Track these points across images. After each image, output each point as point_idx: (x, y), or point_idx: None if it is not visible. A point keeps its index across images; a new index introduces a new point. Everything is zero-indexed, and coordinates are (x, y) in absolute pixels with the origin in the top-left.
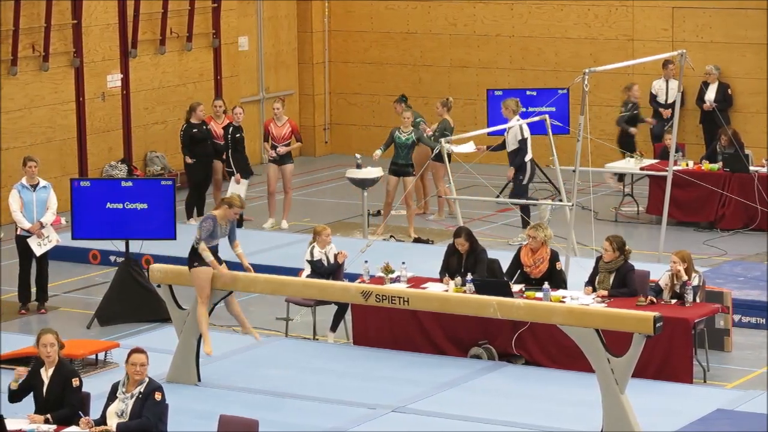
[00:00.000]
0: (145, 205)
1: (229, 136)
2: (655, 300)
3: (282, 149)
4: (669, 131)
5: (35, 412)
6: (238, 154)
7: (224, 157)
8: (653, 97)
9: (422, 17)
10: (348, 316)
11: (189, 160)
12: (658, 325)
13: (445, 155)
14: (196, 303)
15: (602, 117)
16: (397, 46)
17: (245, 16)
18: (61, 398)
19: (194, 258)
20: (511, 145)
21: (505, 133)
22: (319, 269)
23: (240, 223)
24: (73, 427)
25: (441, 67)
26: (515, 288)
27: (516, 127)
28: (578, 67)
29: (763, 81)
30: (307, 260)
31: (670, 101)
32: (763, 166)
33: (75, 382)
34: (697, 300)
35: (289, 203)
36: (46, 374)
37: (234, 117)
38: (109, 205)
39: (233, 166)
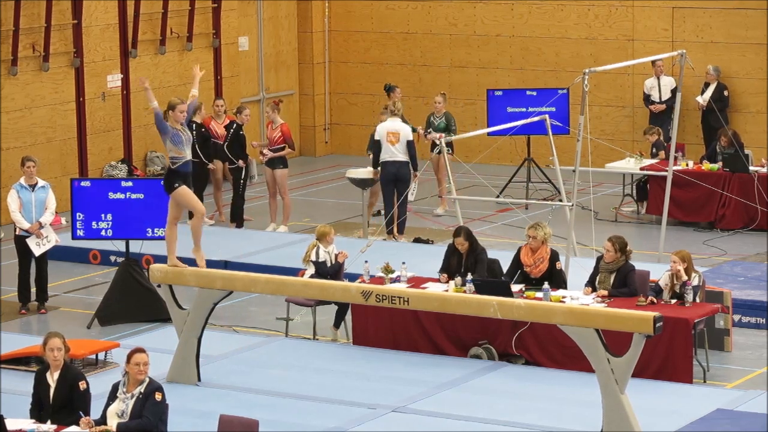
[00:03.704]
0: (141, 195)
1: (232, 130)
2: (655, 300)
3: (269, 153)
4: (650, 131)
5: (41, 417)
6: (238, 149)
7: (219, 151)
8: (647, 97)
9: (422, 17)
10: (348, 316)
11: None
12: (658, 325)
13: (445, 152)
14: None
15: (602, 117)
16: (397, 46)
17: (245, 16)
18: (67, 402)
19: (173, 180)
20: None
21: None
22: (323, 270)
23: (240, 223)
24: (74, 427)
25: (441, 67)
26: (515, 288)
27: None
28: (578, 67)
29: (763, 81)
30: (312, 261)
31: (664, 98)
32: (763, 166)
33: (82, 385)
34: (697, 300)
35: (287, 208)
36: (51, 378)
37: (243, 118)
38: (111, 195)
39: (232, 156)
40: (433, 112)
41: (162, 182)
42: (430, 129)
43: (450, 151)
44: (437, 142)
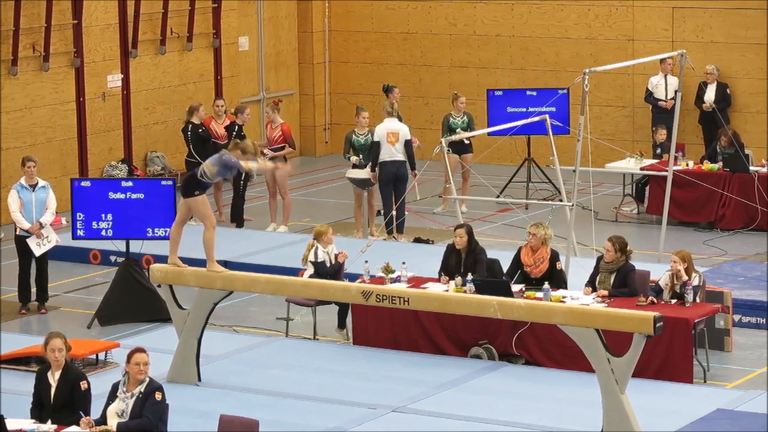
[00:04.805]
0: (141, 195)
1: (234, 133)
2: (655, 300)
3: (269, 153)
4: (661, 126)
5: (42, 416)
6: None
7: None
8: (649, 94)
9: (422, 17)
10: (348, 316)
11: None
12: (658, 325)
13: (445, 152)
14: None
15: (602, 117)
16: (397, 46)
17: (245, 16)
18: (68, 402)
19: (195, 187)
20: (402, 152)
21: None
22: (322, 270)
23: (240, 223)
24: (74, 427)
25: (441, 67)
26: (515, 288)
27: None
28: (578, 67)
29: (763, 81)
30: (310, 261)
31: (670, 96)
32: (763, 166)
33: (83, 385)
34: (698, 300)
35: (287, 208)
36: (53, 378)
37: (244, 118)
38: (111, 195)
39: None
40: (451, 112)
41: (182, 184)
42: (458, 129)
43: (450, 151)
44: (465, 141)
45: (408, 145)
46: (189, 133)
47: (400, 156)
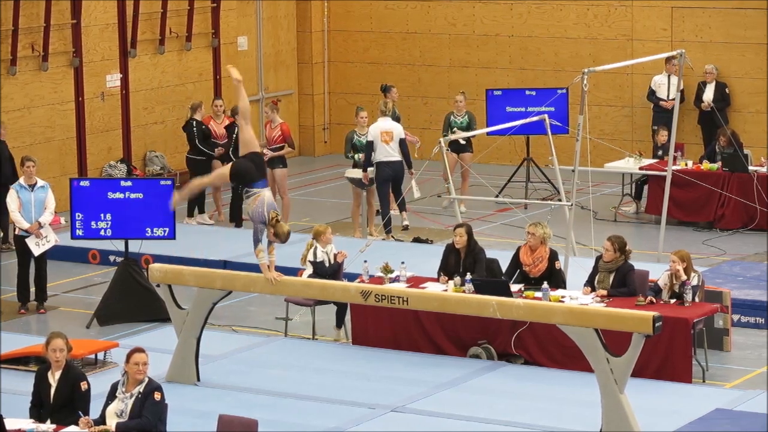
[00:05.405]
0: (140, 195)
1: (234, 135)
2: (654, 300)
3: (268, 152)
4: (663, 127)
5: (41, 416)
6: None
7: (224, 154)
8: (652, 93)
9: (422, 17)
10: (348, 316)
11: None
12: (657, 324)
13: (445, 152)
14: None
15: (601, 117)
16: (397, 46)
17: (244, 16)
18: (68, 402)
19: (242, 181)
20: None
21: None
22: (321, 270)
23: (239, 223)
24: (73, 427)
25: (441, 67)
26: (514, 288)
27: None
28: (578, 67)
29: (762, 81)
30: (309, 261)
31: (671, 97)
32: (763, 166)
33: (83, 385)
34: (697, 300)
35: (286, 208)
36: (53, 378)
37: None
38: (110, 195)
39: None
40: (453, 111)
41: (236, 167)
42: (455, 128)
43: (448, 150)
44: (461, 141)
45: (403, 143)
46: (194, 129)
47: (396, 156)
